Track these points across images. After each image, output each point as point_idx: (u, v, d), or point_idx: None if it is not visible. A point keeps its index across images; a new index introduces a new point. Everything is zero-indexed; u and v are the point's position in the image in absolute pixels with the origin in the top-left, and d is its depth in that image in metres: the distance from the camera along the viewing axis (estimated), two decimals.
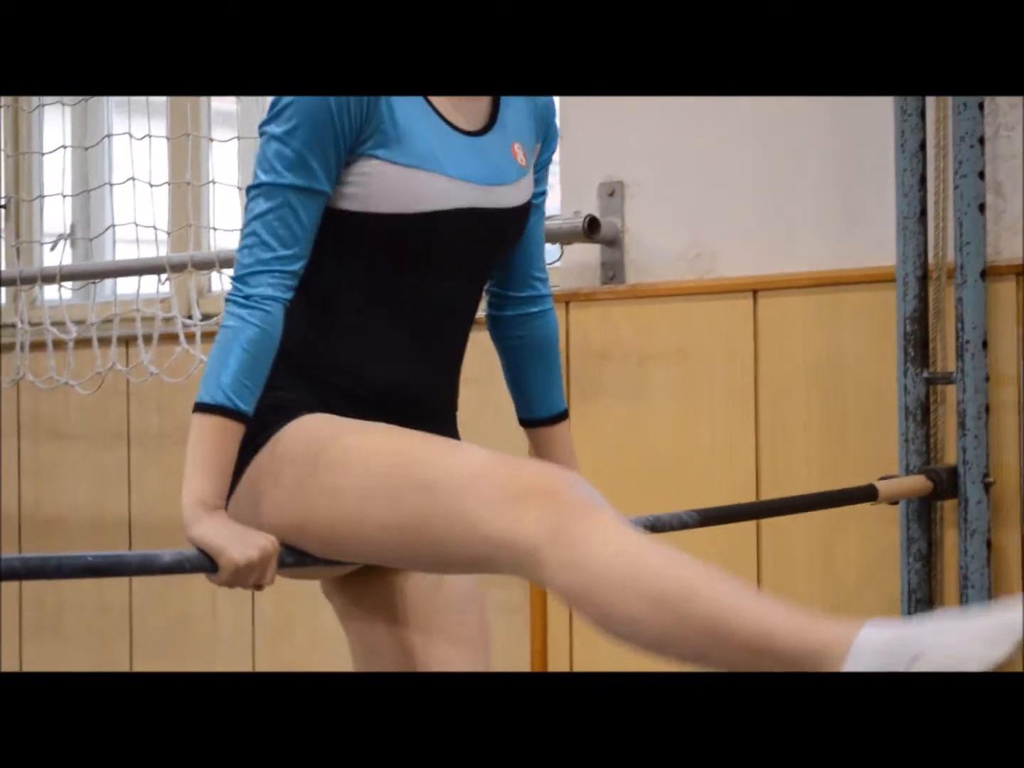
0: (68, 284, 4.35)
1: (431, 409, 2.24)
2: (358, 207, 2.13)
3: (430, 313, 2.22)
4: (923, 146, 2.95)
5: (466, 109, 2.23)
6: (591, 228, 3.25)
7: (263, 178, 2.10)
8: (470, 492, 1.96)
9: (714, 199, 3.21)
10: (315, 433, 2.10)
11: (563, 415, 2.42)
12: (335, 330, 2.18)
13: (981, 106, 2.93)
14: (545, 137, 2.36)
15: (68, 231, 4.42)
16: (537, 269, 2.39)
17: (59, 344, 4.17)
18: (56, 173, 4.45)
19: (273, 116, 2.12)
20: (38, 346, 4.22)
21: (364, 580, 2.28)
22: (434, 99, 2.19)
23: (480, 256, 2.25)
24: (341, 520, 2.06)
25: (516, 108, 2.31)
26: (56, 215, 4.45)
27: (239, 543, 1.97)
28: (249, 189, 2.13)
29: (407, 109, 2.16)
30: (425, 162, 2.14)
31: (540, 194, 2.36)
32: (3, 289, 4.53)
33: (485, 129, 2.24)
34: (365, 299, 2.18)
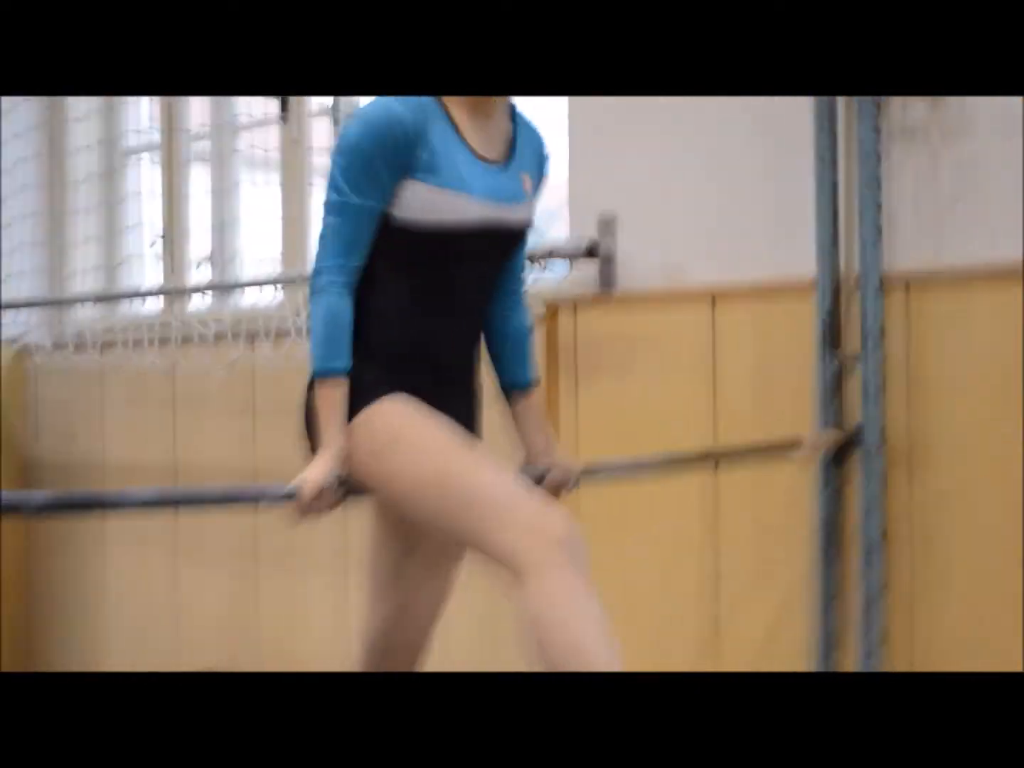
0: (209, 294, 4.44)
1: (456, 379, 2.29)
2: (408, 216, 2.14)
3: (458, 300, 2.25)
4: (835, 186, 2.94)
5: (490, 143, 2.24)
6: (591, 251, 3.31)
7: (332, 196, 2.14)
8: (503, 513, 2.03)
9: (681, 230, 3.22)
10: (390, 420, 2.15)
11: (533, 383, 2.41)
12: (393, 321, 2.20)
13: (879, 156, 2.88)
14: (539, 180, 2.36)
15: (208, 255, 4.49)
16: (518, 276, 2.41)
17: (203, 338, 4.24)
18: (200, 212, 4.51)
19: (340, 145, 2.16)
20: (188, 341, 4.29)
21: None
22: (464, 134, 2.19)
23: (494, 257, 2.27)
24: (396, 493, 2.15)
25: (525, 145, 2.31)
26: (201, 244, 4.53)
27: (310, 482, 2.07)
28: (325, 203, 2.16)
29: (446, 141, 2.16)
30: (458, 185, 2.15)
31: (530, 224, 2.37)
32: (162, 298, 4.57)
33: (504, 159, 2.25)
34: (406, 294, 2.20)
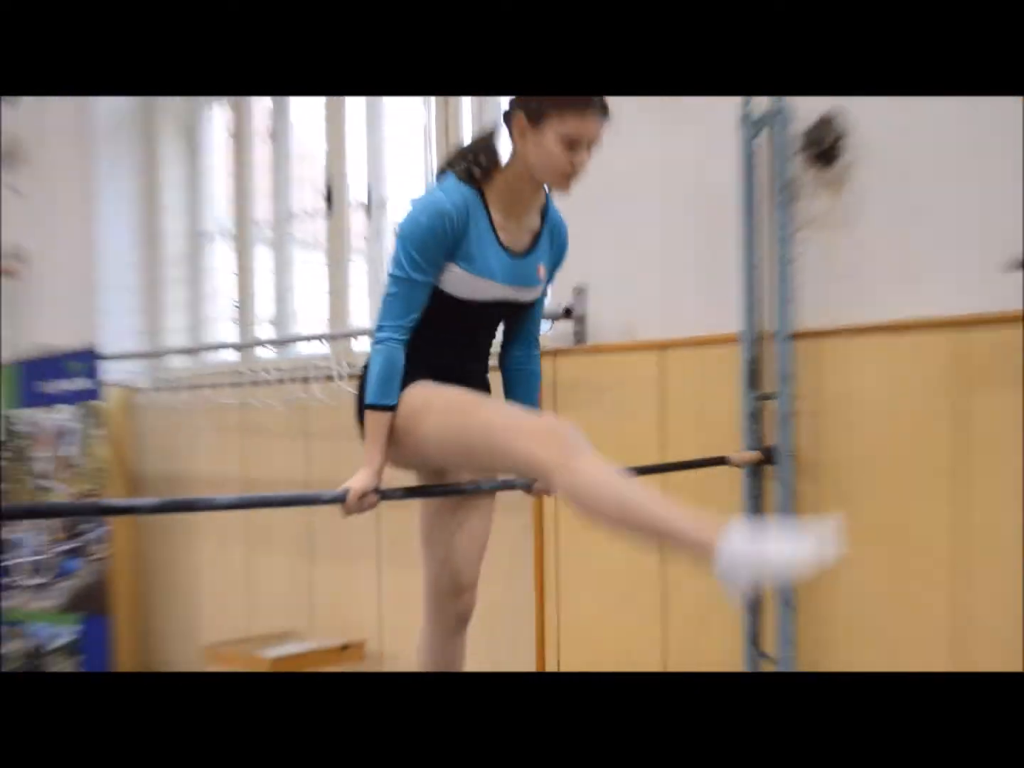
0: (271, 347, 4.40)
1: (473, 377, 2.30)
2: (446, 289, 2.16)
3: (473, 340, 2.31)
4: (754, 264, 2.94)
5: (517, 237, 2.22)
6: (567, 313, 3.34)
7: (394, 271, 2.14)
8: (513, 429, 2.02)
9: (636, 296, 3.25)
10: (419, 392, 2.17)
11: None
12: (428, 345, 2.19)
13: (788, 241, 2.86)
14: (555, 264, 2.36)
15: (271, 316, 4.42)
16: (535, 334, 2.41)
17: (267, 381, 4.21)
18: (264, 283, 4.49)
19: (402, 233, 2.14)
20: (256, 383, 4.26)
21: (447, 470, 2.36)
22: (497, 230, 2.17)
23: (503, 319, 2.32)
24: (434, 442, 2.14)
25: (547, 238, 2.28)
26: (265, 308, 4.49)
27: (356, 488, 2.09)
28: (389, 274, 2.16)
29: (481, 236, 2.15)
30: (486, 273, 2.16)
31: (543, 295, 2.36)
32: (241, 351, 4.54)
33: (527, 252, 2.23)
34: (444, 332, 2.22)
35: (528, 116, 2.10)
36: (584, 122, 2.08)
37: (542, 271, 2.29)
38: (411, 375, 2.19)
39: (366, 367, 2.21)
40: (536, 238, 2.26)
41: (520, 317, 2.34)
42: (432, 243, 2.11)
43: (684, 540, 1.89)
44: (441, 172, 2.24)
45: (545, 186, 2.24)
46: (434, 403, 2.15)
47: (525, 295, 2.27)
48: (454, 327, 2.24)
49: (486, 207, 2.17)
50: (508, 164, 2.19)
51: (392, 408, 2.14)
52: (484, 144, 2.22)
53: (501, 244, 2.19)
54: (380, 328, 2.16)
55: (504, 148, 2.19)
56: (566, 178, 2.14)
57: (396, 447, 2.18)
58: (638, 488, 1.94)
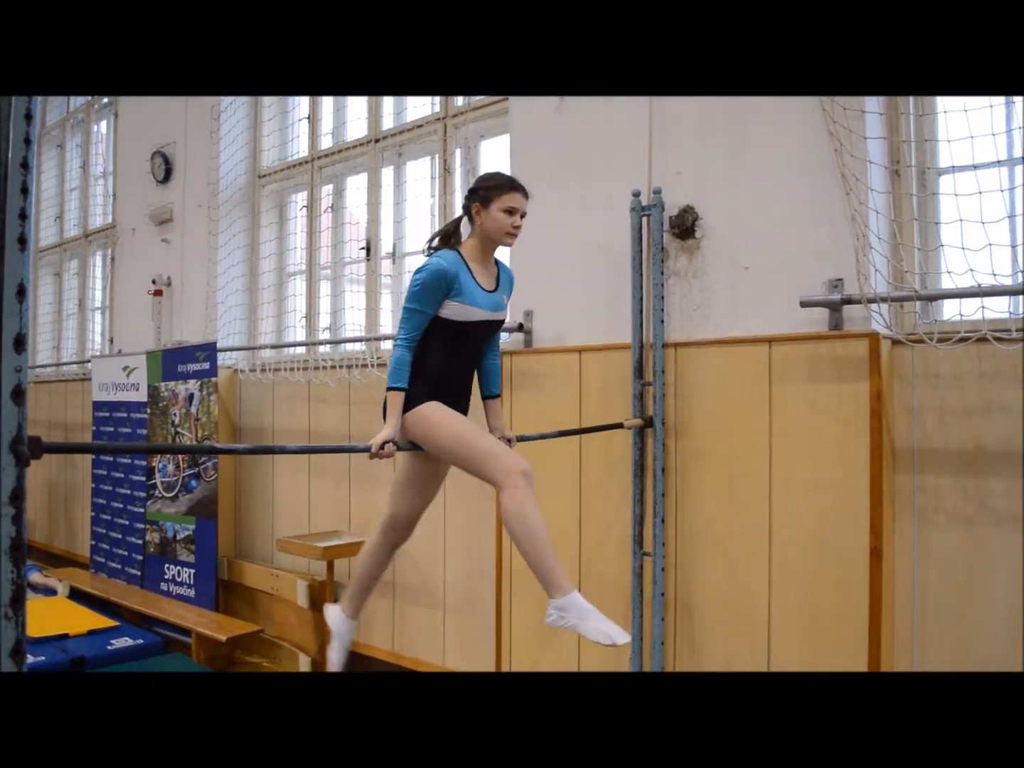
0: (328, 346, 4.27)
1: (462, 391, 2.24)
2: (446, 315, 2.12)
3: (465, 357, 2.23)
4: (642, 299, 2.87)
5: (487, 279, 2.18)
6: (520, 327, 3.30)
7: (409, 304, 2.11)
8: (485, 454, 2.03)
9: (565, 318, 3.20)
10: (429, 412, 2.11)
11: (497, 396, 2.37)
12: (430, 364, 2.15)
13: (661, 285, 2.82)
14: (509, 296, 2.29)
15: (328, 325, 4.30)
16: (498, 344, 2.37)
17: (324, 367, 4.13)
18: (324, 304, 4.36)
19: (416, 280, 2.10)
20: (317, 368, 4.11)
21: (423, 459, 2.31)
22: (475, 275, 2.13)
23: (485, 335, 2.26)
24: (438, 446, 2.11)
25: (504, 279, 2.25)
26: (324, 320, 4.36)
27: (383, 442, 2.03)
28: (404, 306, 2.14)
29: (467, 281, 2.11)
30: (472, 302, 2.12)
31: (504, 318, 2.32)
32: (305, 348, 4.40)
33: (493, 288, 2.21)
34: (443, 351, 2.16)
35: (481, 202, 2.15)
36: (515, 197, 2.13)
37: (505, 300, 2.26)
38: (424, 391, 2.13)
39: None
40: (497, 279, 2.24)
41: (493, 333, 2.30)
42: (435, 289, 2.08)
43: (551, 576, 1.92)
44: (435, 248, 2.22)
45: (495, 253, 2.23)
46: (442, 421, 2.12)
47: (497, 316, 2.23)
48: (451, 345, 2.17)
49: (465, 263, 2.16)
50: (472, 235, 2.20)
51: (403, 390, 2.09)
52: (454, 227, 2.24)
53: (478, 284, 2.16)
54: (397, 338, 2.13)
55: (464, 229, 2.21)
56: (510, 236, 2.16)
57: (415, 437, 2.15)
58: (544, 531, 1.96)
